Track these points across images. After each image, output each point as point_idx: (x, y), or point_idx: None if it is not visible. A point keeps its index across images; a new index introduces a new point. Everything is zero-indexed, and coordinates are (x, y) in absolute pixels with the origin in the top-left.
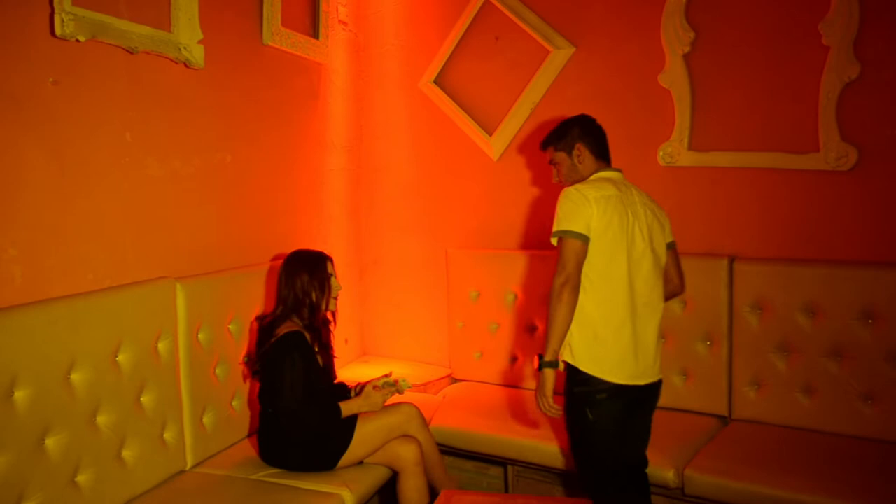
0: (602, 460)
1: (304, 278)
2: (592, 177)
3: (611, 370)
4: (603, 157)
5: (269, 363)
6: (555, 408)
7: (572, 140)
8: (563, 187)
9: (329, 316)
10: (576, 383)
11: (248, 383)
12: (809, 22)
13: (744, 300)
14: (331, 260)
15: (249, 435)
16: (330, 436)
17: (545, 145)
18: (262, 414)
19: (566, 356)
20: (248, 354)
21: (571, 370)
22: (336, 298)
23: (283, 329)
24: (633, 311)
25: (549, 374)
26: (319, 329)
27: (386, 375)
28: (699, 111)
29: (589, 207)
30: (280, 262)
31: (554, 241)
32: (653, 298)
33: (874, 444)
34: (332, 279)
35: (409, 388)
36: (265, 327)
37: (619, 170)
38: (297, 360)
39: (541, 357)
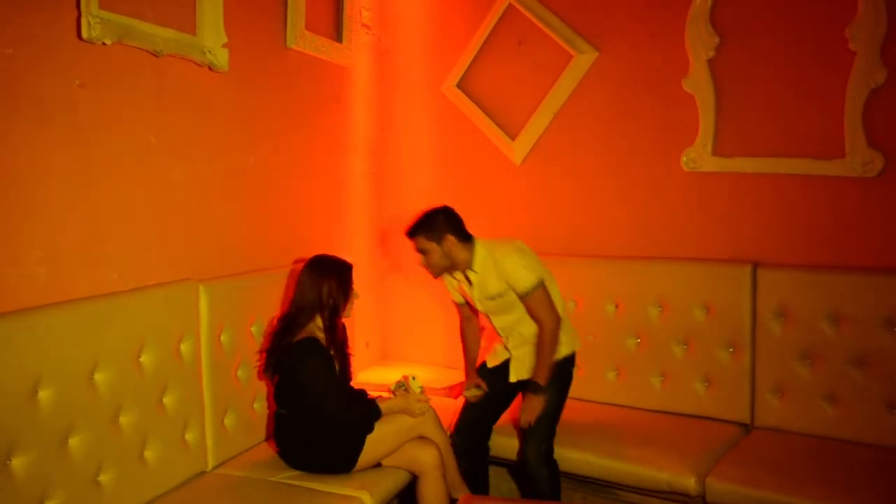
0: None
1: (332, 284)
2: (476, 252)
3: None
4: (468, 238)
5: (291, 368)
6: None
7: (441, 231)
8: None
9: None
10: (569, 362)
11: (266, 384)
12: (836, 27)
13: (767, 307)
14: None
15: (269, 437)
16: (346, 436)
17: (413, 234)
18: (276, 415)
19: (563, 353)
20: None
21: (565, 360)
22: (352, 304)
23: (301, 334)
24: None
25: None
26: (335, 328)
27: (399, 380)
28: (723, 116)
29: (533, 256)
30: (300, 265)
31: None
32: None
33: None
34: (353, 289)
35: (421, 387)
36: (283, 328)
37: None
38: (320, 364)
39: (535, 384)
